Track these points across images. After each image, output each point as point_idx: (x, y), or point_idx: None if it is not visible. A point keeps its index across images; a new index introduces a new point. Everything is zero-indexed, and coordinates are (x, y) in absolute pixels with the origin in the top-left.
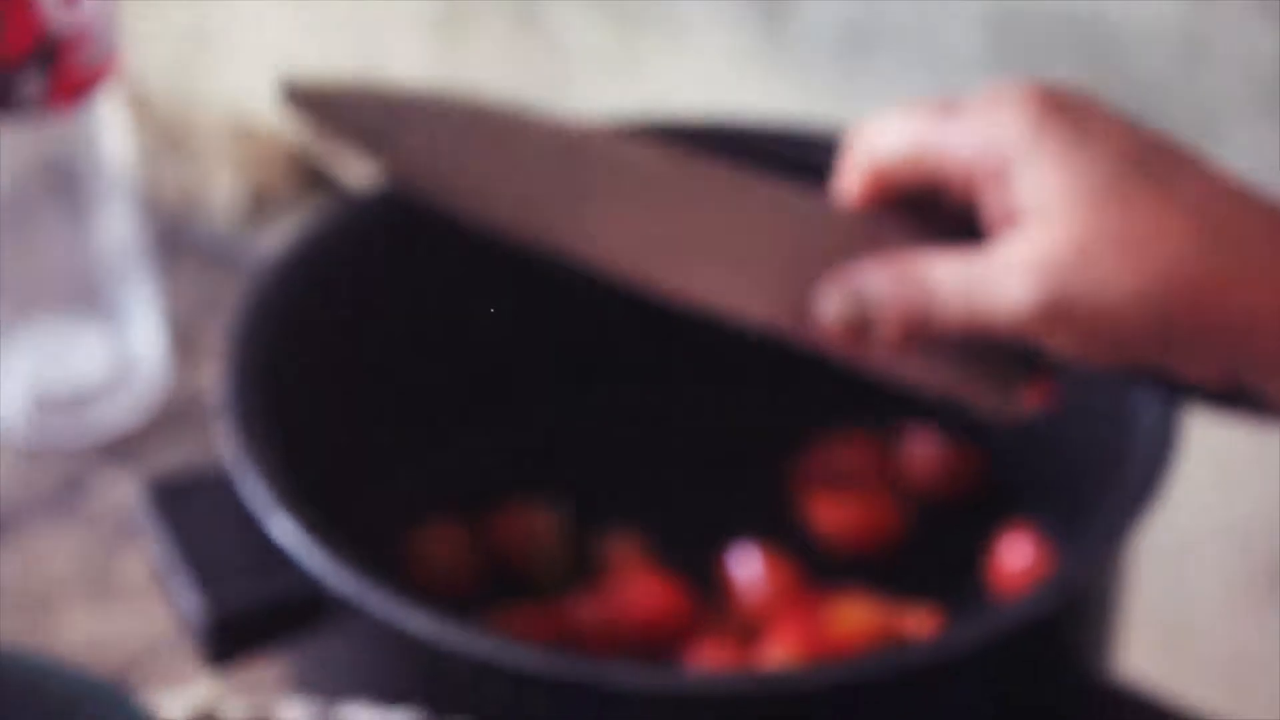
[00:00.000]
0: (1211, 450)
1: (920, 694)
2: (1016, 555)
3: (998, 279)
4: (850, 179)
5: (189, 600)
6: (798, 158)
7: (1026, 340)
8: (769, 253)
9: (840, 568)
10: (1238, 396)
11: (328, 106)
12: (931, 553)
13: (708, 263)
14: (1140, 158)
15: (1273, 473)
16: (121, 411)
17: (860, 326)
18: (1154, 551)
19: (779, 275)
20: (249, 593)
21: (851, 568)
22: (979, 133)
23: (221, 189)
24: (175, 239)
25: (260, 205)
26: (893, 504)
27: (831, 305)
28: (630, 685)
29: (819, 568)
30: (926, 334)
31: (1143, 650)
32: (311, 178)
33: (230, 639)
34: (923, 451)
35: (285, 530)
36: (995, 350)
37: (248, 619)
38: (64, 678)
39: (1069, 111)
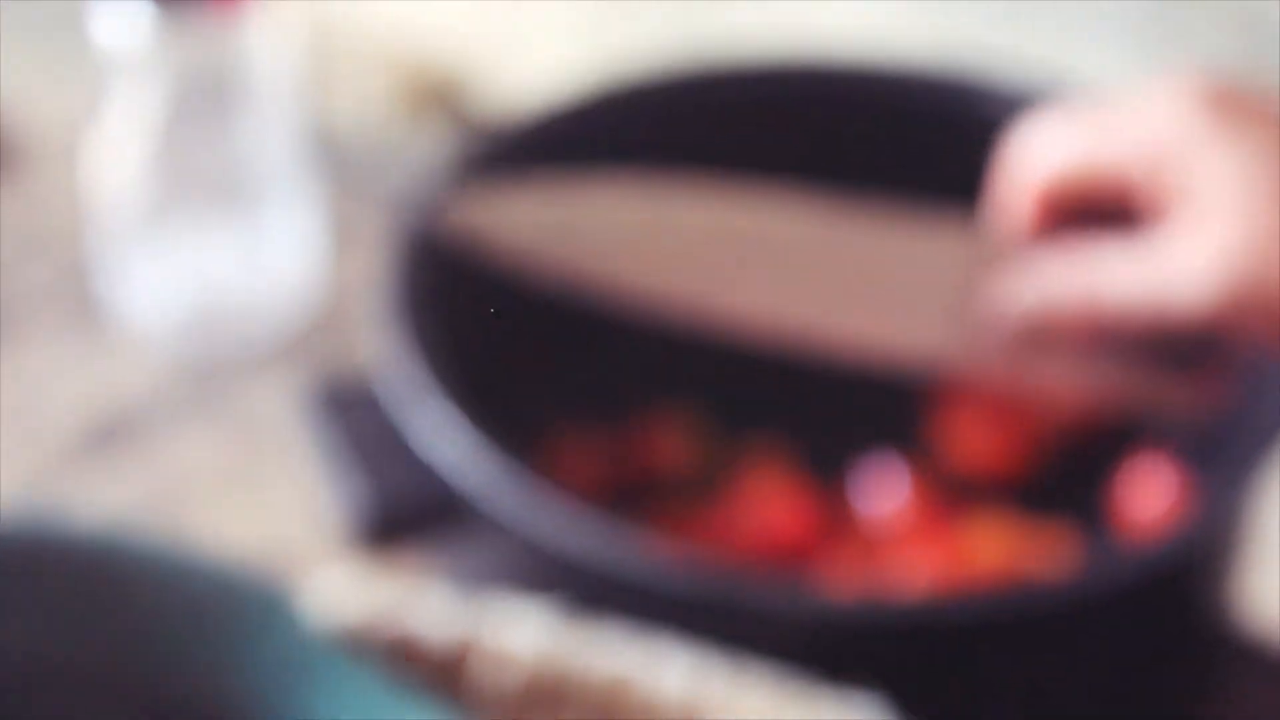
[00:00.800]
0: None
1: (1057, 631)
2: (1150, 481)
3: (1181, 274)
4: (1018, 203)
5: (355, 492)
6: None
7: (1208, 333)
8: (935, 295)
9: (972, 485)
10: None
11: (477, 224)
12: (1064, 474)
13: (873, 316)
14: None
15: None
16: (270, 317)
17: (1041, 329)
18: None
19: (945, 315)
20: (411, 494)
21: (983, 485)
22: (1149, 130)
23: (365, 107)
24: (318, 153)
25: (401, 126)
26: (1029, 424)
27: (1009, 311)
28: (774, 609)
29: (951, 484)
30: (1108, 333)
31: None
32: (451, 100)
33: (390, 537)
34: None
35: (447, 459)
36: (1169, 352)
37: (409, 517)
38: (228, 577)
39: (1239, 103)
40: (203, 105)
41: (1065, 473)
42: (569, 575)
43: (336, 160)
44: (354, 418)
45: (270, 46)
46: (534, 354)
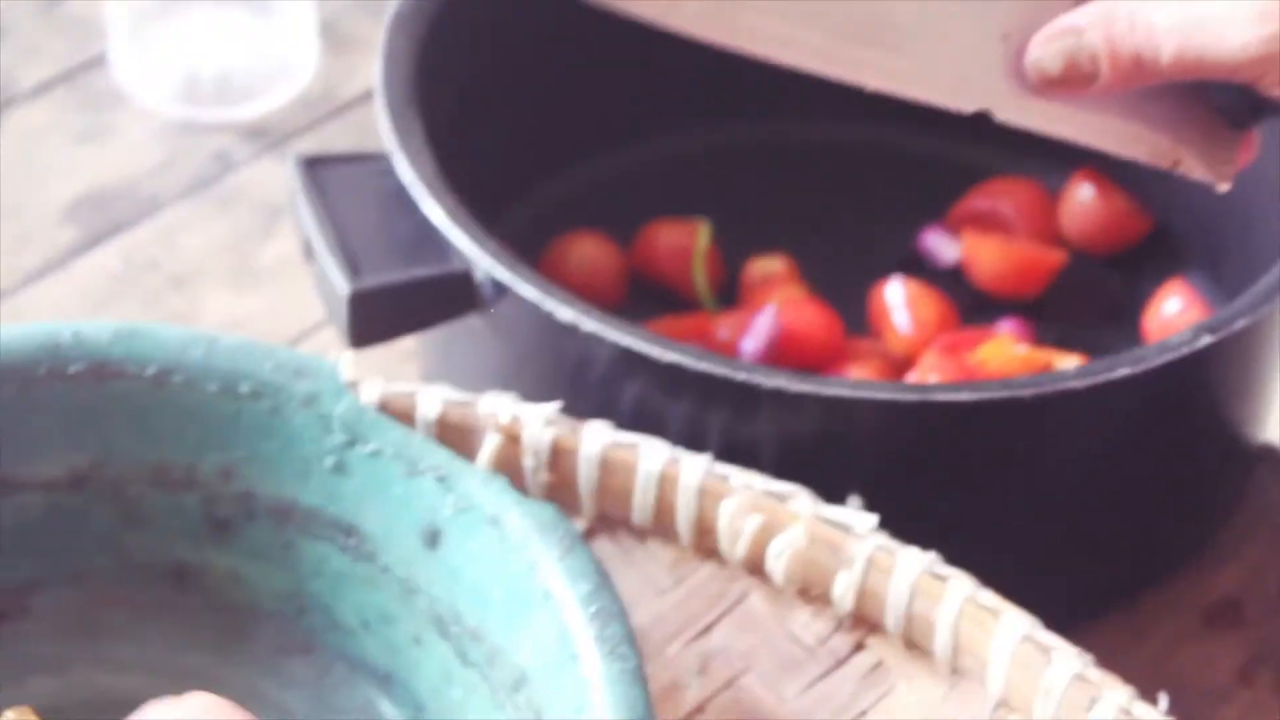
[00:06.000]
0: None
1: (1064, 421)
2: (1172, 309)
3: (1217, 17)
4: None
5: (333, 273)
6: None
7: (1244, 83)
8: (974, 33)
9: (992, 312)
10: None
11: None
12: (1089, 304)
13: (909, 53)
14: None
15: None
16: (272, 98)
17: (1073, 73)
18: None
19: (987, 56)
20: (393, 270)
21: (1003, 313)
22: None
23: None
24: None
25: None
26: (1050, 251)
27: (1043, 55)
28: (789, 388)
29: (971, 310)
30: (1142, 77)
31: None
32: None
33: (372, 316)
34: (1086, 202)
35: (434, 209)
36: (1206, 114)
37: (390, 296)
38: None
39: None
40: None
41: (1090, 302)
42: (563, 365)
43: None
44: (341, 193)
45: None
46: (541, 159)
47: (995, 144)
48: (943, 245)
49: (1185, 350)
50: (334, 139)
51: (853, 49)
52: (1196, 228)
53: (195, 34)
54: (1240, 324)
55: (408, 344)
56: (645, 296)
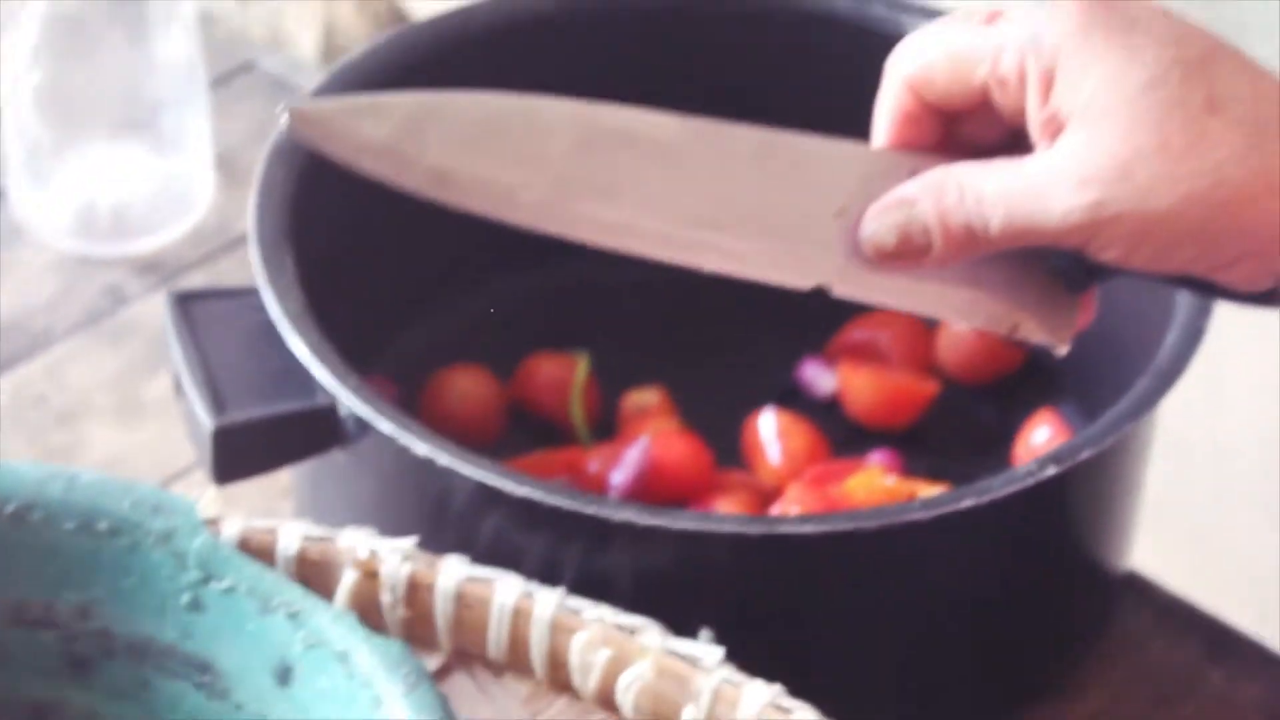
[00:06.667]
0: (1253, 361)
1: (912, 553)
2: (1040, 439)
3: (1041, 188)
4: (886, 99)
5: (198, 408)
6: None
7: (1070, 248)
8: (809, 211)
9: (867, 444)
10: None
11: (333, 127)
12: (962, 434)
13: (745, 234)
14: (1187, 58)
15: None
16: (165, 232)
17: (907, 246)
18: (1186, 459)
19: (823, 233)
20: (258, 406)
21: (878, 444)
22: (1021, 35)
23: (303, 27)
24: (250, 72)
25: (339, 44)
26: (923, 383)
27: (877, 229)
28: (627, 520)
29: (846, 441)
30: (974, 246)
31: (1161, 555)
32: (393, 18)
33: (236, 452)
34: (961, 333)
35: (297, 344)
36: (1043, 279)
37: (254, 432)
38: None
39: (1115, 11)
40: (109, 18)
41: (962, 432)
42: (423, 501)
43: (267, 78)
44: (213, 329)
45: None
46: (414, 299)
47: None
48: (820, 376)
49: (1030, 481)
50: (227, 274)
51: (690, 233)
52: (1069, 359)
53: (92, 168)
54: (1086, 454)
55: (283, 480)
56: (525, 429)
